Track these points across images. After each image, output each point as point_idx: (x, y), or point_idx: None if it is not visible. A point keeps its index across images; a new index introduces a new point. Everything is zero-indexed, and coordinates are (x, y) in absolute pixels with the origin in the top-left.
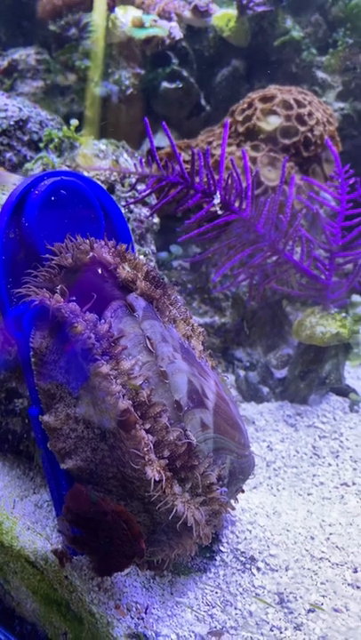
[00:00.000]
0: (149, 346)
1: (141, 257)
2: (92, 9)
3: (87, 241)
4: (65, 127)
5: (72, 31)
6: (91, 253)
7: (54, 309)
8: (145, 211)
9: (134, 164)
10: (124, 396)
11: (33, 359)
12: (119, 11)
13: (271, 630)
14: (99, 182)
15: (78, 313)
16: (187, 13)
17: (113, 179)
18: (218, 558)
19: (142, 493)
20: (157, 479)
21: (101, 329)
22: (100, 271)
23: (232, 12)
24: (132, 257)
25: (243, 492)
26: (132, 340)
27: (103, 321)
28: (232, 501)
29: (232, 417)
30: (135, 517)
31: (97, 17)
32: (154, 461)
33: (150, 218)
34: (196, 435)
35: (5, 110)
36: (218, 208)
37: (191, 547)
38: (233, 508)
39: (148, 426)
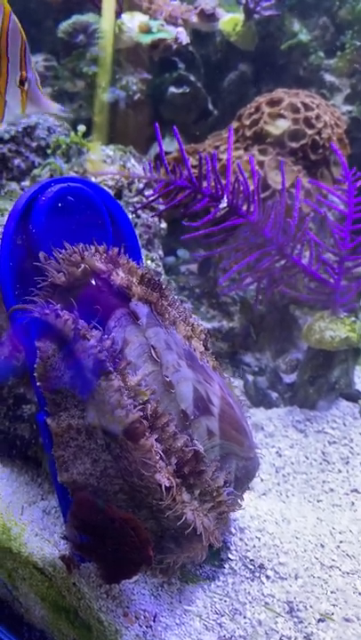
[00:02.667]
0: (154, 355)
1: (148, 262)
2: (101, 15)
3: (77, 250)
4: (73, 133)
5: (80, 38)
6: (82, 265)
7: (62, 322)
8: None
9: (142, 169)
10: (135, 407)
11: (38, 372)
12: (126, 16)
13: None
14: (106, 188)
15: (86, 326)
16: (193, 18)
17: (120, 184)
18: (227, 566)
19: (150, 501)
20: (168, 485)
21: (105, 344)
22: (93, 281)
23: (239, 16)
24: (126, 261)
25: (249, 489)
26: (136, 350)
27: (107, 335)
28: (238, 501)
29: (237, 420)
30: (143, 524)
31: (105, 24)
32: (163, 468)
33: (158, 222)
34: (203, 443)
35: None
36: (224, 212)
37: (201, 551)
38: (240, 507)
39: (155, 436)
